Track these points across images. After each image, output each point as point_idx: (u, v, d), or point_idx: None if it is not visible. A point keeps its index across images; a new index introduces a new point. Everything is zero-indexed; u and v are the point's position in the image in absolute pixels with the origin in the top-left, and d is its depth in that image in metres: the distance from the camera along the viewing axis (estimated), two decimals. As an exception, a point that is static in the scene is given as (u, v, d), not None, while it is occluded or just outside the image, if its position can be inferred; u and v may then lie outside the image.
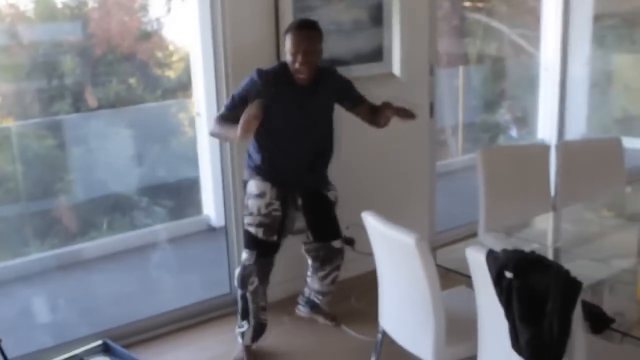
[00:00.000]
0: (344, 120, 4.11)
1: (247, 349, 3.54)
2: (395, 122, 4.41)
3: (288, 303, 4.10)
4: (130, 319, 3.87)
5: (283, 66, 3.30)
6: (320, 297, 3.82)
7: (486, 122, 7.26)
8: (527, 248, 2.48)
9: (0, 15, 5.20)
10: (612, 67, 6.38)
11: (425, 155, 4.70)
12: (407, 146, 4.59)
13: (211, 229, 5.25)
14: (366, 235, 2.91)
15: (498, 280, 2.32)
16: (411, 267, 2.64)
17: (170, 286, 4.68)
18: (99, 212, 5.30)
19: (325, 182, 3.56)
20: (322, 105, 3.41)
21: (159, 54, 6.02)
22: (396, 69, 4.34)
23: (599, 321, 2.38)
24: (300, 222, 3.53)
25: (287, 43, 3.22)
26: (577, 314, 2.22)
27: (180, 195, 5.64)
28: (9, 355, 3.02)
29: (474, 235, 3.60)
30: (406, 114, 3.35)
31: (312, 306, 3.89)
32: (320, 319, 3.90)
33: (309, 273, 3.79)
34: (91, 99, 5.56)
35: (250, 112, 3.02)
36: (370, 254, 2.96)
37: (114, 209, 5.31)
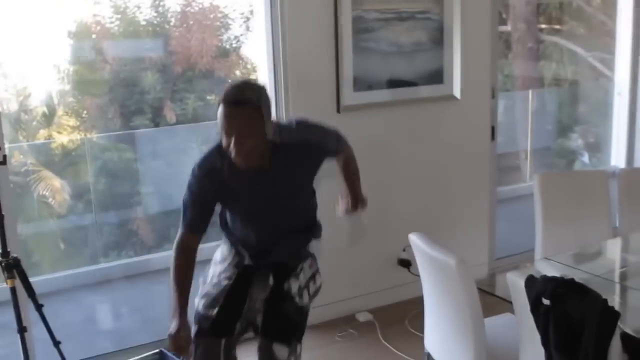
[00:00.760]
0: (404, 142, 4.14)
1: None
2: (456, 144, 4.42)
3: (340, 322, 4.15)
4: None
5: (218, 151, 2.55)
6: None
7: (562, 147, 7.12)
8: (581, 276, 2.42)
9: (87, 31, 5.45)
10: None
11: (486, 179, 4.65)
12: (467, 170, 4.55)
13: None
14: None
15: (535, 307, 2.28)
16: (452, 289, 2.63)
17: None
18: (172, 224, 5.48)
19: (298, 254, 2.79)
20: (285, 182, 2.66)
21: (237, 72, 6.19)
22: (457, 90, 4.31)
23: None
24: (257, 303, 2.73)
25: (219, 119, 2.45)
26: (616, 345, 2.16)
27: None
28: (68, 358, 3.15)
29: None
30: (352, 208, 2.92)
31: None
32: None
33: None
34: (170, 114, 5.76)
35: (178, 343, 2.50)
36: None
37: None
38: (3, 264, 2.91)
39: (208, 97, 5.93)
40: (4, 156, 3.16)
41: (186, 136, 5.84)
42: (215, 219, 2.75)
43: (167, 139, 5.83)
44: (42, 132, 5.51)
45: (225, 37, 6.07)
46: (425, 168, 4.38)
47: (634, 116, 5.49)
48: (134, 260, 5.34)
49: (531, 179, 6.62)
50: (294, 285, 2.70)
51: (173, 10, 5.74)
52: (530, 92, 6.59)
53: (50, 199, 5.16)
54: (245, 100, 2.43)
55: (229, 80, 5.64)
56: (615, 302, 2.53)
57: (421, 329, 3.03)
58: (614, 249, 3.42)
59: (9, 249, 2.93)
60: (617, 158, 5.87)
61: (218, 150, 2.56)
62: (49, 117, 5.48)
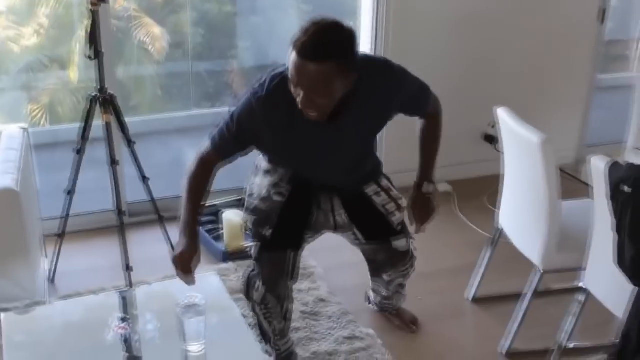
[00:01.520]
0: (504, 13, 4.00)
1: None
2: (561, 23, 4.22)
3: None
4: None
5: (285, 82, 2.13)
6: (389, 303, 2.99)
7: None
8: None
9: None
10: None
11: (587, 64, 4.46)
12: (570, 51, 4.37)
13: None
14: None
15: (615, 193, 2.24)
16: (533, 167, 2.60)
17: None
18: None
19: (363, 181, 2.57)
20: (355, 135, 2.35)
21: None
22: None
23: None
24: (340, 217, 2.56)
25: (289, 64, 2.05)
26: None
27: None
28: (155, 195, 3.34)
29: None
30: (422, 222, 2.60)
31: (384, 310, 3.07)
32: (396, 322, 3.03)
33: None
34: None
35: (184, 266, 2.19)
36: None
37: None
38: (100, 99, 3.04)
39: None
40: (105, -6, 3.22)
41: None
42: None
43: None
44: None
45: None
46: (526, 43, 4.24)
47: None
48: (225, 111, 5.47)
49: (636, 69, 6.32)
50: (369, 189, 2.56)
51: None
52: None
53: (149, 46, 5.27)
54: (324, 54, 1.98)
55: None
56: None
57: (498, 205, 3.04)
58: None
59: (105, 86, 3.05)
60: None
61: (284, 84, 2.12)
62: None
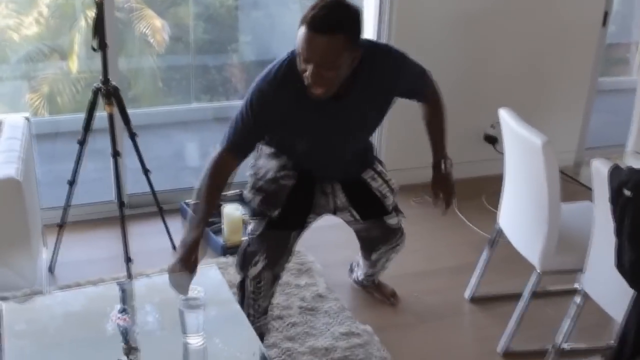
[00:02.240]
0: (507, 13, 4.00)
1: None
2: (564, 25, 4.24)
3: (417, 188, 4.20)
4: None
5: (291, 68, 2.25)
6: (372, 278, 3.14)
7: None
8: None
9: None
10: None
11: (589, 67, 4.47)
12: (571, 53, 4.39)
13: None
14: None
15: (616, 196, 2.25)
16: (535, 169, 2.61)
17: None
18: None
19: (361, 168, 2.72)
20: (359, 115, 2.46)
21: None
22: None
23: None
24: (339, 199, 2.69)
25: (298, 40, 2.15)
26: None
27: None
28: (156, 187, 3.34)
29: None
30: (447, 201, 2.77)
31: (364, 286, 3.23)
32: (377, 296, 3.20)
33: (359, 254, 3.06)
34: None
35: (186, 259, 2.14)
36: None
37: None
38: (103, 91, 3.05)
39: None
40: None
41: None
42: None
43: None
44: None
45: None
46: (528, 45, 4.25)
47: None
48: (225, 105, 5.47)
49: (638, 73, 6.34)
50: (366, 174, 2.70)
51: None
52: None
53: (150, 38, 5.27)
54: (333, 27, 2.09)
55: None
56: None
57: (497, 205, 3.05)
58: None
59: (109, 78, 3.05)
60: None
61: (291, 67, 2.23)
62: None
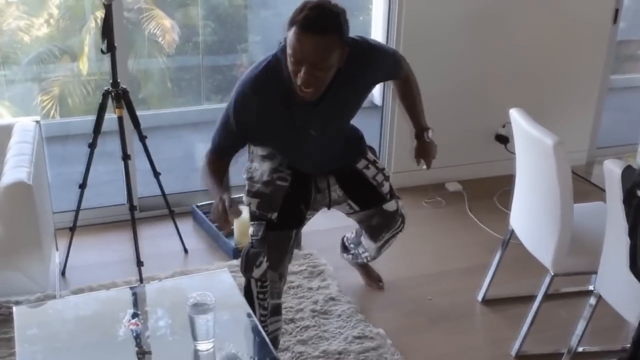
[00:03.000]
0: (516, 11, 3.98)
1: None
2: (574, 22, 4.21)
3: (429, 188, 4.20)
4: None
5: (274, 69, 2.29)
6: (369, 259, 3.15)
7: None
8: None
9: None
10: None
11: (600, 64, 4.44)
12: (582, 51, 4.36)
13: (373, 106, 5.33)
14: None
15: (628, 197, 2.23)
16: (547, 170, 2.59)
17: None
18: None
19: (353, 159, 2.75)
20: (342, 110, 2.50)
21: None
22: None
23: None
24: (335, 193, 2.72)
25: (289, 42, 2.16)
26: None
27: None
28: (166, 189, 3.34)
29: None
30: (428, 163, 2.77)
31: (357, 265, 3.29)
32: (365, 281, 3.30)
33: (362, 237, 3.04)
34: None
35: (222, 212, 2.13)
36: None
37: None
38: (113, 94, 3.05)
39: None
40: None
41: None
42: None
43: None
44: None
45: None
46: (537, 43, 4.22)
47: None
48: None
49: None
50: (360, 164, 2.73)
51: None
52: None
53: (160, 38, 5.27)
54: (326, 26, 2.13)
55: None
56: None
57: (509, 206, 3.03)
58: None
59: (118, 80, 3.05)
60: None
61: (274, 69, 2.27)
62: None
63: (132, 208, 3.12)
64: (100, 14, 2.90)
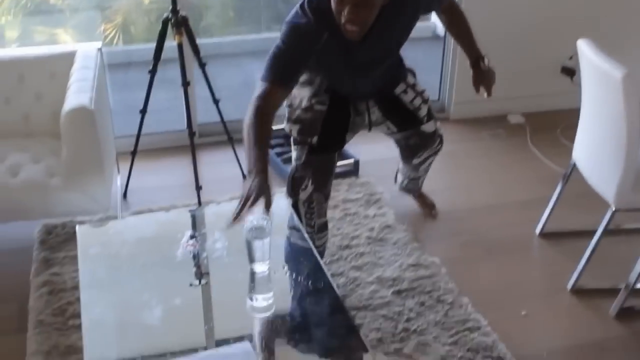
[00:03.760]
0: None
1: None
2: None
3: (490, 120, 4.13)
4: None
5: (321, 7, 2.28)
6: (417, 182, 3.22)
7: None
8: None
9: None
10: None
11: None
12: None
13: (435, 37, 5.23)
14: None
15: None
16: (614, 103, 2.50)
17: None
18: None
19: (393, 85, 2.76)
20: (389, 43, 2.53)
21: None
22: None
23: None
24: (374, 115, 2.76)
25: None
26: None
27: None
28: (225, 116, 3.37)
29: None
30: (488, 90, 2.76)
31: (408, 191, 3.32)
32: (418, 205, 3.35)
33: (400, 161, 3.14)
34: None
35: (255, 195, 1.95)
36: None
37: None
38: (172, 21, 3.05)
39: None
40: None
41: None
42: None
43: None
44: None
45: None
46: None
47: None
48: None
49: None
50: (399, 89, 2.75)
51: None
52: None
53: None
54: None
55: None
56: None
57: (572, 139, 2.95)
58: None
59: (178, 7, 3.05)
60: None
61: (320, 6, 2.26)
62: None
63: (191, 134, 3.16)
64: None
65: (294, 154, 2.66)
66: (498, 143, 3.98)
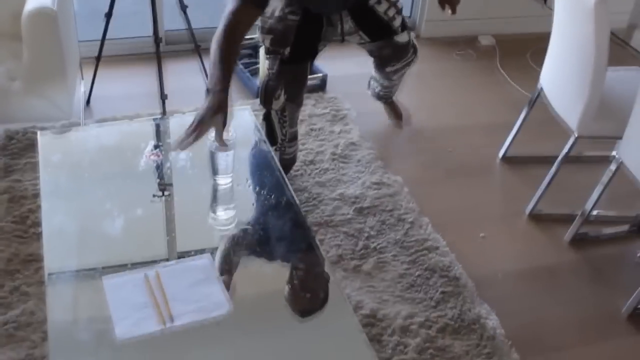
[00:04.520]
0: None
1: None
2: None
3: (460, 40, 4.10)
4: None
5: None
6: (388, 91, 3.22)
7: None
8: None
9: None
10: None
11: None
12: None
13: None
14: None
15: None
16: (584, 29, 2.50)
17: None
18: None
19: None
20: None
21: None
22: None
23: None
24: (347, 24, 2.72)
25: None
26: None
27: None
28: (194, 24, 3.28)
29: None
30: (452, 7, 2.75)
31: (380, 98, 3.31)
32: (387, 114, 3.37)
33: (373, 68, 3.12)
34: None
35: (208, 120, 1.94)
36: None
37: None
38: None
39: None
40: None
41: None
42: None
43: None
44: None
45: None
46: None
47: None
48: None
49: None
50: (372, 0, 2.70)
51: None
52: None
53: None
54: None
55: None
56: None
57: (541, 64, 2.95)
58: None
59: None
60: None
61: None
62: None
63: (157, 40, 3.09)
64: None
65: (266, 63, 2.67)
66: (467, 64, 3.97)
